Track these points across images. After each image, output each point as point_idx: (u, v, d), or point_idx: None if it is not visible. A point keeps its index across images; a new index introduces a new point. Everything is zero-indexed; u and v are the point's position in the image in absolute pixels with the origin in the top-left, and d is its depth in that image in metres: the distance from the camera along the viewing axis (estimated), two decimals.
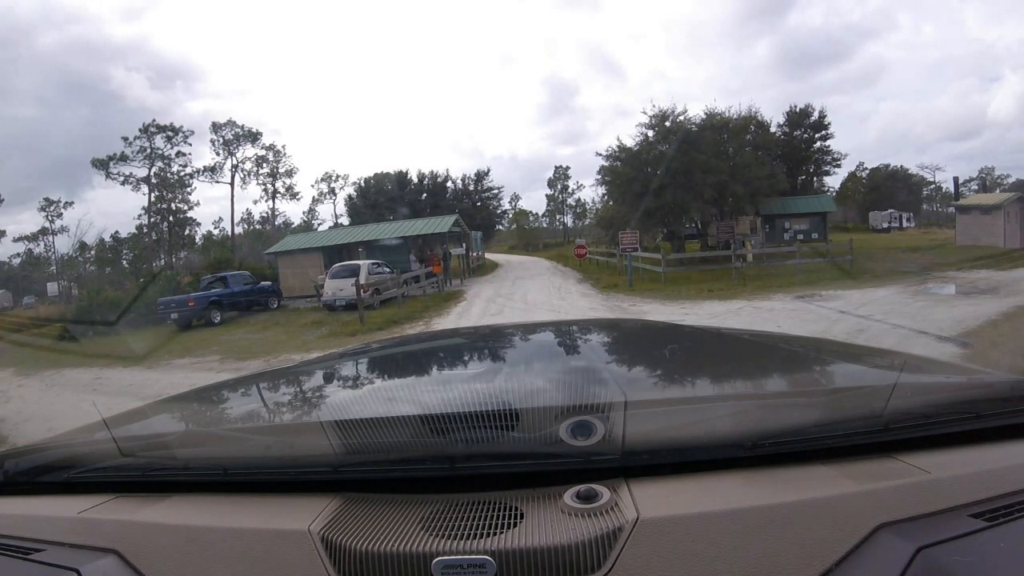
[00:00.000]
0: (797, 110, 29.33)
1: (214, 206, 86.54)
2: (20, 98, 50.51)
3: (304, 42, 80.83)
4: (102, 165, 35.37)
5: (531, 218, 49.54)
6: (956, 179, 37.66)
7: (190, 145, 37.37)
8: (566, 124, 74.39)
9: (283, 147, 48.09)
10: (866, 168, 43.75)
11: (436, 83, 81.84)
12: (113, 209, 72.79)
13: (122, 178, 35.84)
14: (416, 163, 79.64)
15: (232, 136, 38.83)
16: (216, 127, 38.60)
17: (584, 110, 72.63)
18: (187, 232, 39.49)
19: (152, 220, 37.72)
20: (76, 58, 55.43)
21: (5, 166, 47.51)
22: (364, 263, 16.34)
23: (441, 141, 79.22)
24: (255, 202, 54.47)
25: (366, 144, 76.05)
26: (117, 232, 40.59)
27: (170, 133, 36.55)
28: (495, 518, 0.65)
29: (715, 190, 19.77)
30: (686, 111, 20.85)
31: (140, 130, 36.00)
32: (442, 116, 79.90)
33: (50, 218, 40.01)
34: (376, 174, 41.17)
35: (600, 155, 22.18)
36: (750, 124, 22.53)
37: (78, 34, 58.55)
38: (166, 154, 36.63)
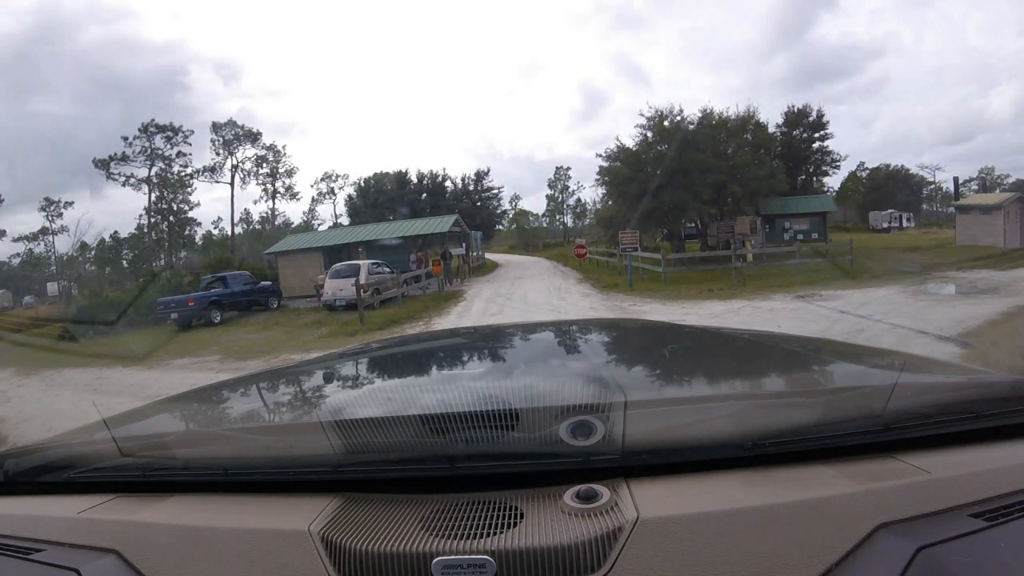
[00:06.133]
0: (795, 110, 29.34)
1: (217, 205, 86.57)
2: (55, 95, 50.78)
3: (316, 44, 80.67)
4: (103, 165, 35.40)
5: (531, 218, 49.61)
6: (956, 179, 37.54)
7: (190, 145, 37.41)
8: (590, 129, 74.35)
9: (283, 147, 48.15)
10: (866, 168, 43.73)
11: (454, 84, 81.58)
12: (121, 208, 72.94)
13: (123, 178, 35.91)
14: (416, 163, 79.72)
15: (232, 136, 38.86)
16: (216, 127, 38.67)
17: (604, 115, 72.67)
18: (187, 232, 39.52)
19: (152, 220, 37.74)
20: (111, 56, 55.77)
21: (31, 162, 47.97)
22: (364, 263, 16.34)
23: (452, 142, 79.34)
24: (255, 202, 54.44)
25: (370, 144, 75.82)
26: (116, 232, 40.65)
27: (170, 133, 36.56)
28: (495, 518, 0.65)
29: (714, 190, 19.76)
30: (682, 110, 20.89)
31: (140, 130, 36.04)
32: (457, 118, 79.75)
33: (50, 218, 40.04)
34: (376, 174, 41.23)
35: (600, 155, 22.25)
36: (748, 124, 22.52)
37: (118, 31, 58.91)
38: (166, 154, 36.67)
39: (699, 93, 77.20)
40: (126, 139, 35.60)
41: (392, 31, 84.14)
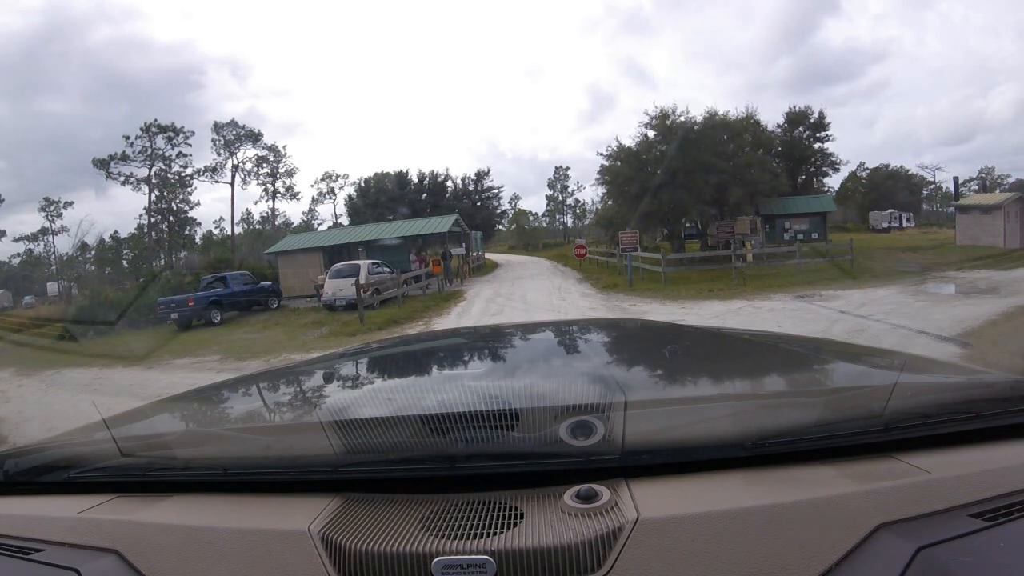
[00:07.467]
0: (797, 110, 29.35)
1: (218, 205, 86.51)
2: (63, 94, 50.88)
3: (324, 45, 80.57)
4: (102, 165, 35.38)
5: (531, 218, 49.64)
6: (956, 179, 37.48)
7: (190, 145, 37.35)
8: (594, 130, 74.08)
9: (284, 147, 48.19)
10: (866, 168, 43.66)
11: (458, 86, 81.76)
12: (121, 208, 72.98)
13: (122, 178, 35.87)
14: (417, 163, 79.63)
15: (233, 136, 38.84)
16: (218, 127, 38.64)
17: (608, 117, 72.50)
18: (187, 232, 39.47)
19: (152, 220, 37.73)
20: (120, 55, 55.79)
21: (38, 162, 48.32)
22: (364, 263, 16.33)
23: (453, 143, 79.56)
24: (255, 202, 54.26)
25: (373, 144, 75.79)
26: (117, 232, 40.61)
27: (171, 133, 36.55)
28: (495, 518, 0.65)
29: (715, 190, 19.76)
30: (687, 111, 20.88)
31: (141, 130, 36.01)
32: (460, 118, 79.14)
33: (50, 218, 40.03)
34: (376, 174, 41.06)
35: (600, 155, 22.25)
36: (751, 125, 22.50)
37: (127, 31, 58.80)
38: (167, 154, 36.64)
39: (703, 95, 77.95)
40: (127, 138, 35.64)
41: (399, 33, 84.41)
